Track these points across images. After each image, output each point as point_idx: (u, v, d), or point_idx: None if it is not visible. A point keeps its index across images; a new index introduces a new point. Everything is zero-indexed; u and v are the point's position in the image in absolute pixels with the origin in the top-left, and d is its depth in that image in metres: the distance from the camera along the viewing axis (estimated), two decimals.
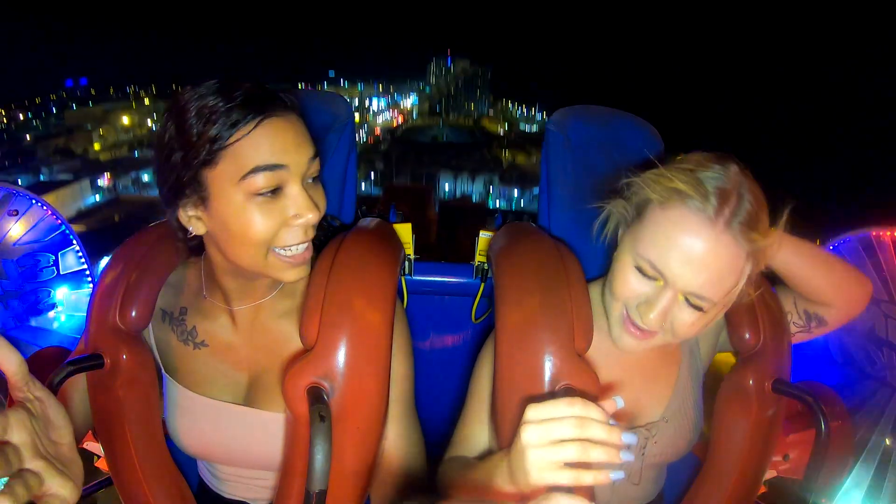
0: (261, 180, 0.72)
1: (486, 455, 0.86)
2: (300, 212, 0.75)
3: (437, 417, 1.16)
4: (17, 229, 1.39)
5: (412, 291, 1.30)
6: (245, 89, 0.74)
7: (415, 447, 0.87)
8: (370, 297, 0.77)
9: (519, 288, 0.84)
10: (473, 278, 1.29)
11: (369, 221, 0.97)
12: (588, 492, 0.79)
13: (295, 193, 0.75)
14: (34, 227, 1.40)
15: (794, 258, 0.89)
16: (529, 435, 0.63)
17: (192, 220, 0.78)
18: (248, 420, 0.87)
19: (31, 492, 0.49)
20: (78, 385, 0.89)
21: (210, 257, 0.85)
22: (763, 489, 0.97)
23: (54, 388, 0.77)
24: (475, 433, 0.91)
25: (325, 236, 0.94)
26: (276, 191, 0.74)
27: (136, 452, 0.84)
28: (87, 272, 1.47)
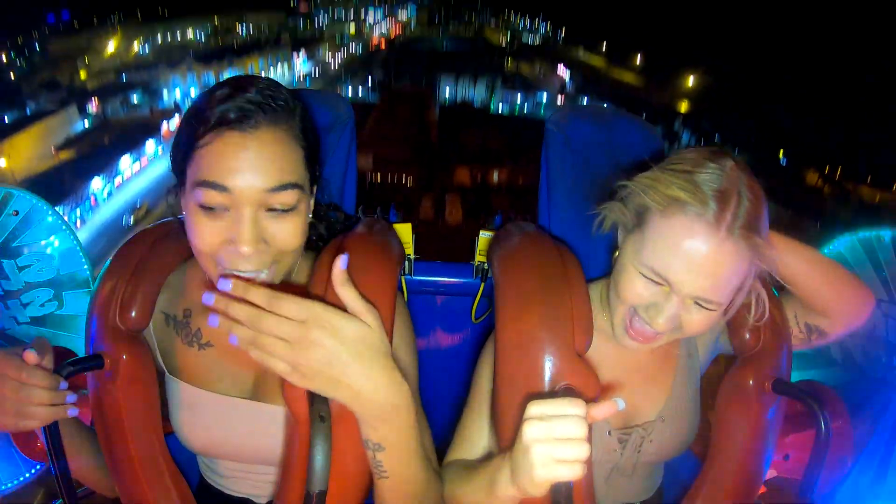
0: (203, 196, 0.70)
1: (487, 458, 0.86)
2: (238, 240, 0.71)
3: (438, 417, 1.16)
4: (17, 229, 1.39)
5: (412, 291, 1.30)
6: (234, 94, 0.71)
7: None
8: (370, 298, 0.77)
9: (519, 288, 0.84)
10: (473, 278, 1.29)
11: (369, 221, 0.97)
12: (587, 489, 0.79)
13: (238, 219, 0.71)
14: (34, 226, 1.40)
15: (798, 262, 0.89)
16: (533, 431, 0.63)
17: (181, 205, 0.79)
18: (254, 413, 0.87)
19: None
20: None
21: None
22: (763, 489, 0.97)
23: None
24: (476, 433, 0.91)
25: (326, 236, 0.94)
26: (223, 208, 0.71)
27: (136, 452, 0.84)
28: (88, 272, 1.48)
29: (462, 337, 1.43)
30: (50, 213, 1.41)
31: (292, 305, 0.64)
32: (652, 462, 0.97)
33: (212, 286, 0.89)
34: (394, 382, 0.69)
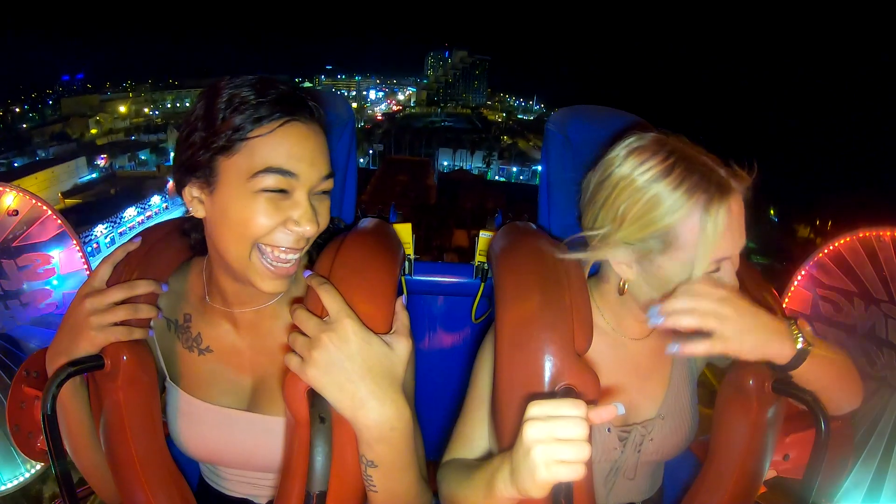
0: (270, 180, 0.74)
1: (486, 458, 0.86)
2: (300, 220, 0.76)
3: (437, 417, 1.16)
4: (17, 229, 1.38)
5: (412, 291, 1.30)
6: (279, 89, 0.75)
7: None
8: (370, 298, 0.77)
9: (519, 288, 0.84)
10: (473, 278, 1.29)
11: (369, 222, 0.97)
12: (587, 489, 0.79)
13: (300, 201, 0.76)
14: (34, 227, 1.40)
15: (824, 373, 0.84)
16: (534, 431, 0.63)
17: (195, 201, 0.79)
18: (252, 425, 0.87)
19: None
20: (78, 386, 0.89)
21: (209, 257, 0.85)
22: (763, 489, 0.97)
23: (55, 389, 0.77)
24: (475, 431, 0.91)
25: (326, 236, 0.94)
26: (283, 191, 0.75)
27: (136, 453, 0.84)
28: (87, 272, 1.47)
29: (462, 337, 1.43)
30: (50, 212, 1.41)
31: (332, 301, 0.73)
32: (653, 461, 0.97)
33: (211, 290, 0.89)
34: (397, 408, 0.73)
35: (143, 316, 0.84)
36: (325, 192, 0.81)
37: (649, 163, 0.78)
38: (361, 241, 0.85)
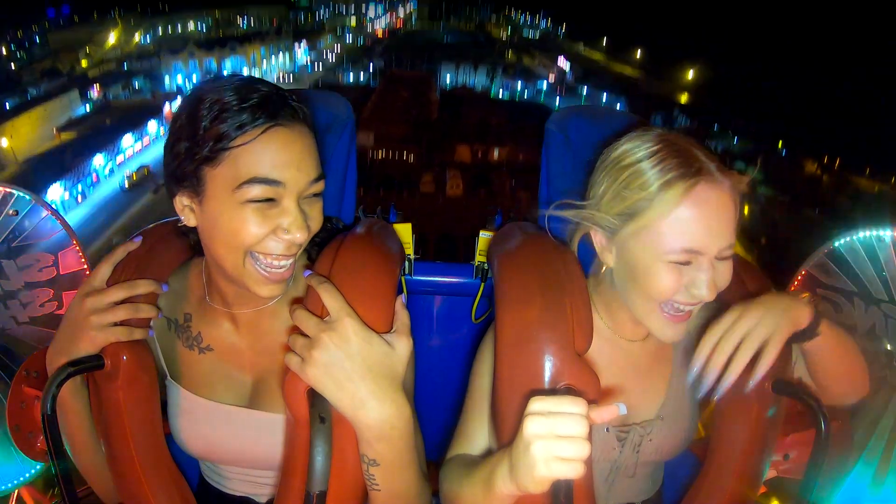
0: (256, 191, 0.72)
1: (487, 455, 0.86)
2: (290, 228, 0.75)
3: (437, 417, 1.16)
4: (17, 229, 1.38)
5: (412, 291, 1.30)
6: (262, 92, 0.74)
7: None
8: (370, 297, 0.77)
9: (519, 288, 0.84)
10: (473, 278, 1.29)
11: (369, 222, 0.97)
12: (587, 489, 0.79)
13: (289, 208, 0.75)
14: (34, 226, 1.40)
15: (830, 348, 0.87)
16: (535, 426, 0.63)
17: (186, 209, 0.79)
18: (252, 422, 0.87)
19: None
20: (79, 385, 0.89)
21: (207, 259, 0.85)
22: (763, 489, 0.97)
23: (55, 389, 0.77)
24: (476, 430, 0.91)
25: (325, 236, 0.94)
26: (271, 200, 0.74)
27: (136, 452, 0.84)
28: (87, 272, 1.47)
29: (462, 337, 1.43)
30: (49, 213, 1.41)
31: (332, 300, 0.73)
32: (652, 462, 0.97)
33: (211, 291, 0.89)
34: (397, 406, 0.73)
35: (143, 316, 0.84)
36: (316, 195, 0.80)
37: (641, 145, 0.80)
38: (361, 241, 0.85)
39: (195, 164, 0.74)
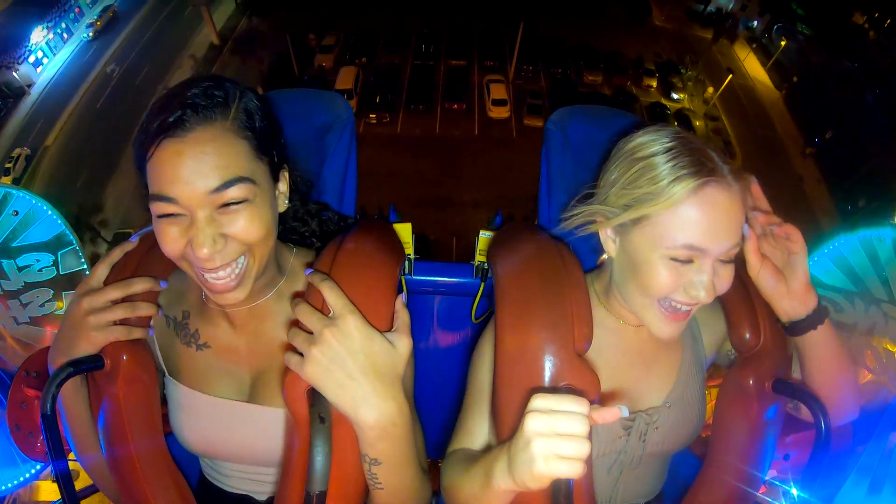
0: (159, 208, 0.70)
1: (488, 450, 0.86)
2: (194, 245, 0.71)
3: (437, 416, 1.16)
4: (17, 229, 1.39)
5: (412, 291, 1.30)
6: (177, 99, 0.70)
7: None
8: (370, 296, 0.77)
9: (519, 288, 0.84)
10: (473, 278, 1.29)
11: (369, 222, 0.97)
12: (587, 488, 0.79)
13: (192, 223, 0.71)
14: (34, 227, 1.40)
15: (824, 345, 0.88)
16: (536, 423, 0.62)
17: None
18: (252, 416, 0.87)
19: None
20: (79, 385, 0.89)
21: None
22: (763, 489, 0.97)
23: (55, 389, 0.77)
24: (477, 423, 0.91)
25: (319, 232, 0.94)
26: (176, 215, 0.71)
27: (136, 452, 0.84)
28: (87, 272, 1.47)
29: (462, 337, 1.43)
30: (50, 212, 1.41)
31: (335, 297, 0.72)
32: (657, 453, 0.96)
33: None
34: (398, 404, 0.73)
35: (142, 314, 0.84)
36: (237, 203, 0.71)
37: (658, 139, 0.80)
38: (361, 241, 0.85)
39: (137, 170, 0.73)
